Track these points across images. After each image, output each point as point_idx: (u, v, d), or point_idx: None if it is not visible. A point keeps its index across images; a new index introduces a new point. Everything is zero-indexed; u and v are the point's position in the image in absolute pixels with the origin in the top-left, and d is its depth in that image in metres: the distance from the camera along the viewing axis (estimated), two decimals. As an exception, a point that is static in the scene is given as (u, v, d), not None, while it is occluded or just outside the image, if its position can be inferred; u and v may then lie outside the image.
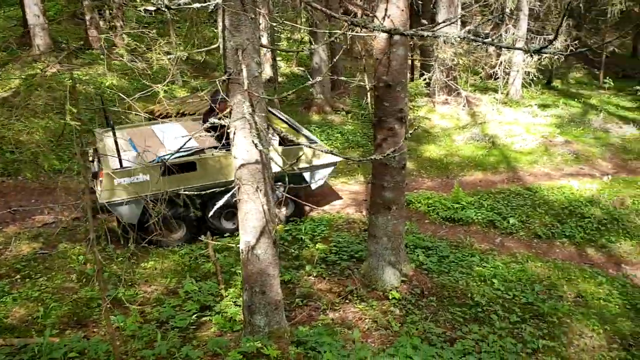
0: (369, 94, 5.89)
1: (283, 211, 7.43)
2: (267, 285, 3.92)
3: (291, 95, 11.38)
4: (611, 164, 11.16)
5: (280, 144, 7.23)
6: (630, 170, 10.80)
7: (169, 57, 3.16)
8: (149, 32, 3.92)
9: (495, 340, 4.86)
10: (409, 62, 14.10)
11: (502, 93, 13.72)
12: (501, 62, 12.40)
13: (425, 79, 12.12)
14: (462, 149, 11.18)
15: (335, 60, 6.48)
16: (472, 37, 3.06)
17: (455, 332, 4.98)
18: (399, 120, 5.31)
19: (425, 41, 10.99)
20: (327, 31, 5.96)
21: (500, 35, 11.87)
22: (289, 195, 5.50)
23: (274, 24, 10.43)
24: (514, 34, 11.87)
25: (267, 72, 12.01)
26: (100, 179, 6.51)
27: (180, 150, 6.24)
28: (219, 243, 6.24)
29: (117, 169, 6.45)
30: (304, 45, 13.87)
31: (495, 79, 14.03)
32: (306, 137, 7.66)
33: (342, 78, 7.68)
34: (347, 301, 5.35)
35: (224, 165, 6.90)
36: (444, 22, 4.98)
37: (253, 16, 3.20)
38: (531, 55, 12.06)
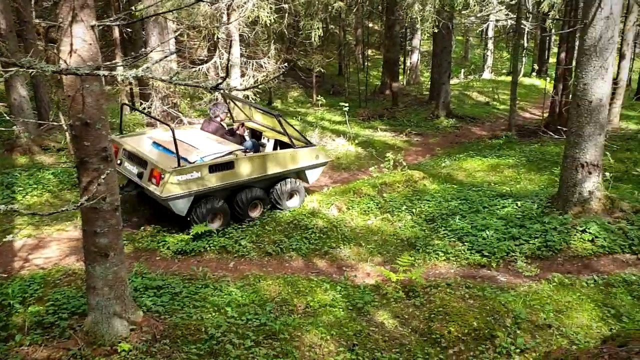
0: (67, 133, 5.38)
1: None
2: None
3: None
4: (327, 175, 12.26)
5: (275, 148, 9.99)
6: (344, 179, 12.00)
7: None
8: None
9: (231, 371, 4.81)
10: (129, 90, 13.57)
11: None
12: (227, 84, 12.66)
13: (144, 108, 11.77)
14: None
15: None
16: (151, 75, 2.93)
17: (191, 373, 4.80)
18: (104, 160, 4.94)
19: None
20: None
21: (215, 61, 12.16)
22: None
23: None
24: (228, 59, 12.24)
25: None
26: (154, 177, 7.68)
27: (220, 151, 8.25)
28: None
29: (176, 167, 7.64)
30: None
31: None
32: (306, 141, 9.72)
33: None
34: (69, 366, 4.77)
35: (255, 164, 8.61)
36: (144, 51, 4.78)
37: None
38: (209, 92, 12.71)
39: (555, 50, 28.36)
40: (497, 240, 7.93)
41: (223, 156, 8.25)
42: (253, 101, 13.45)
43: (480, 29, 28.57)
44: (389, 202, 9.81)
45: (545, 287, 6.70)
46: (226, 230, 8.31)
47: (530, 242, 7.82)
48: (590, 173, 8.16)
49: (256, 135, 10.67)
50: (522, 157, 13.14)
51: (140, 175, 7.94)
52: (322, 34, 17.18)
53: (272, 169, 8.87)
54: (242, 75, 13.10)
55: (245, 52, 13.99)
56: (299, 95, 22.19)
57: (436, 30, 16.55)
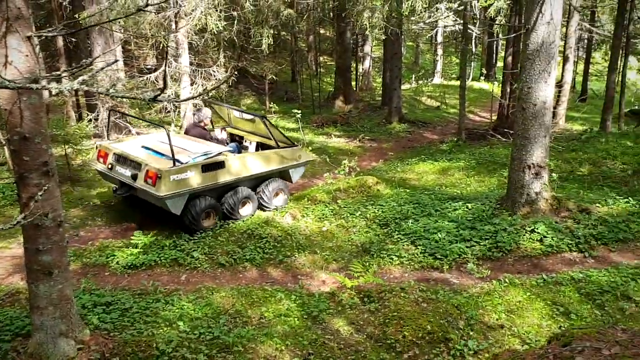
0: (5, 148, 5.17)
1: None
2: None
3: None
4: (282, 182, 12.16)
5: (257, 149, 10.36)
6: (298, 186, 11.97)
7: None
8: None
9: (184, 388, 4.70)
10: (74, 101, 13.21)
11: (176, 125, 13.85)
12: (168, 95, 12.48)
13: (90, 120, 11.47)
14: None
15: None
16: (87, 87, 2.84)
17: (142, 392, 4.66)
18: (45, 175, 4.76)
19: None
20: None
21: (164, 69, 11.96)
22: None
23: None
24: (177, 67, 12.08)
25: None
26: (149, 177, 7.86)
27: (209, 152, 8.60)
28: None
29: (172, 167, 7.92)
30: None
31: (167, 112, 14.11)
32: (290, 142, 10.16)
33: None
34: (10, 392, 4.56)
35: (244, 163, 9.02)
36: (85, 62, 4.62)
37: None
38: (147, 103, 12.66)
39: (502, 54, 29.11)
40: (449, 242, 8.04)
41: (213, 156, 8.59)
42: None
43: (429, 35, 29.09)
44: (343, 208, 9.83)
45: (497, 287, 6.82)
46: (177, 242, 8.16)
47: (481, 243, 7.96)
48: (537, 174, 8.38)
49: (235, 140, 11.04)
50: (472, 160, 13.40)
51: (134, 177, 8.10)
52: (272, 41, 17.13)
53: (260, 169, 9.29)
54: (192, 84, 12.91)
55: (195, 60, 13.81)
56: (252, 102, 22.06)
57: (385, 37, 16.74)
